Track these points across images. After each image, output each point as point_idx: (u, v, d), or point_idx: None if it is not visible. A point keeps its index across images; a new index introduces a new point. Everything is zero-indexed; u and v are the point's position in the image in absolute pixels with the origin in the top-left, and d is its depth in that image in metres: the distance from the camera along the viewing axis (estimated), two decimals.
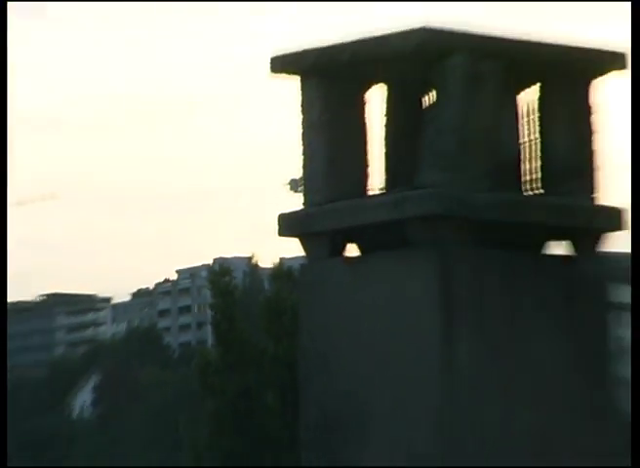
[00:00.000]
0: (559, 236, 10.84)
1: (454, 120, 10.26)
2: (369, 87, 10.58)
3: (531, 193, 10.70)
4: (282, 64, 10.36)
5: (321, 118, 10.51)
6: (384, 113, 10.73)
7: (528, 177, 10.78)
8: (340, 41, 10.44)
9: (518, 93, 10.68)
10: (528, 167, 10.81)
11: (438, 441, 10.21)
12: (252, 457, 48.59)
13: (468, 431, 10.28)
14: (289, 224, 10.54)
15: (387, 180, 10.50)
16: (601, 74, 10.58)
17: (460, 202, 9.94)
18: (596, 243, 10.95)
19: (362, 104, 10.64)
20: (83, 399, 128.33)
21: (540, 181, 10.77)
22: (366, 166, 10.74)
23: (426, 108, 10.52)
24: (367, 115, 10.75)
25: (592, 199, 10.82)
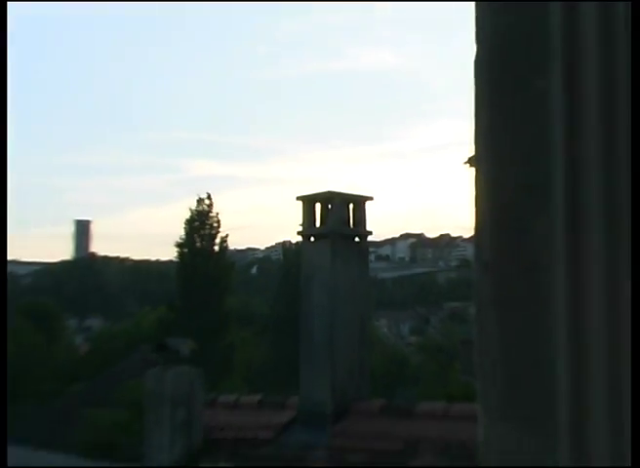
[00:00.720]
0: None
1: (335, 216, 10.86)
2: (315, 203, 10.94)
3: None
4: (299, 198, 10.89)
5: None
6: (320, 213, 10.98)
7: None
8: (314, 192, 11.14)
9: (348, 206, 10.92)
10: None
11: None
12: None
13: None
14: (304, 234, 10.90)
15: (322, 228, 10.69)
16: (365, 201, 10.92)
17: (337, 234, 10.56)
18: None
19: (312, 212, 10.91)
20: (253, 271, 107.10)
21: None
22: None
23: (330, 210, 10.92)
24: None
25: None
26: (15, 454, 4.80)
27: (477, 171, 1.34)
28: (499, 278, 1.31)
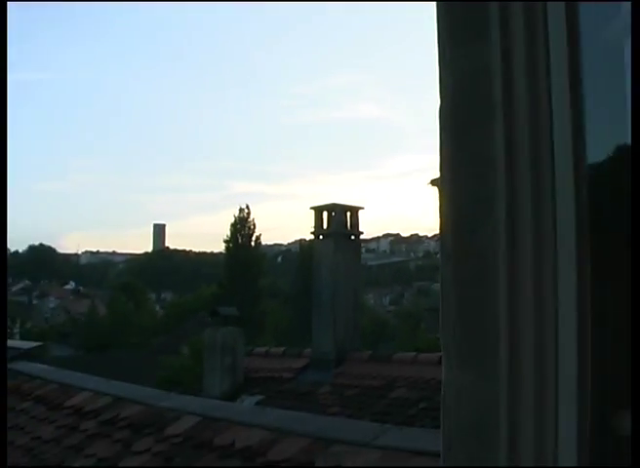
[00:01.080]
0: None
1: (337, 221, 10.53)
2: (323, 211, 10.54)
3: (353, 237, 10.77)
4: (312, 208, 10.57)
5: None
6: (326, 219, 10.65)
7: None
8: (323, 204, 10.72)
9: (346, 213, 10.61)
10: None
11: None
12: None
13: None
14: (315, 234, 10.69)
15: (328, 229, 10.57)
16: (358, 210, 10.58)
17: (338, 234, 10.51)
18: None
19: (321, 218, 10.60)
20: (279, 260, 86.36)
21: None
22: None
23: (333, 217, 10.69)
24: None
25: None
26: (113, 384, 4.80)
27: (441, 188, 1.33)
28: (457, 265, 1.29)
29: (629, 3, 1.18)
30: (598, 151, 1.24)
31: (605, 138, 1.25)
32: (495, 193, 1.25)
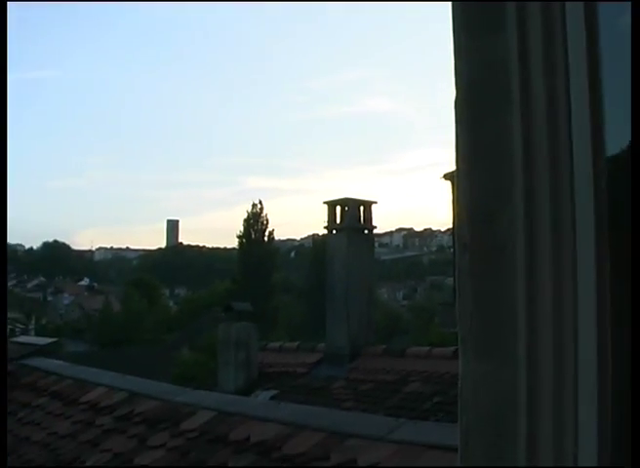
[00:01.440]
0: None
1: (350, 215, 10.61)
2: (336, 206, 10.63)
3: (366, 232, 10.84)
4: (325, 203, 10.61)
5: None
6: (339, 213, 10.68)
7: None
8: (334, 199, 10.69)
9: (359, 208, 10.68)
10: None
11: None
12: None
13: None
14: (329, 228, 10.75)
15: (341, 224, 10.64)
16: (372, 205, 10.45)
17: (352, 228, 10.65)
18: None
19: (334, 213, 10.74)
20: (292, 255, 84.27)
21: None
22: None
23: (346, 212, 10.66)
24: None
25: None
26: (128, 380, 4.83)
27: (457, 178, 1.33)
28: (473, 255, 1.29)
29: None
30: (616, 149, 1.23)
31: (623, 136, 1.24)
32: (512, 182, 1.25)
